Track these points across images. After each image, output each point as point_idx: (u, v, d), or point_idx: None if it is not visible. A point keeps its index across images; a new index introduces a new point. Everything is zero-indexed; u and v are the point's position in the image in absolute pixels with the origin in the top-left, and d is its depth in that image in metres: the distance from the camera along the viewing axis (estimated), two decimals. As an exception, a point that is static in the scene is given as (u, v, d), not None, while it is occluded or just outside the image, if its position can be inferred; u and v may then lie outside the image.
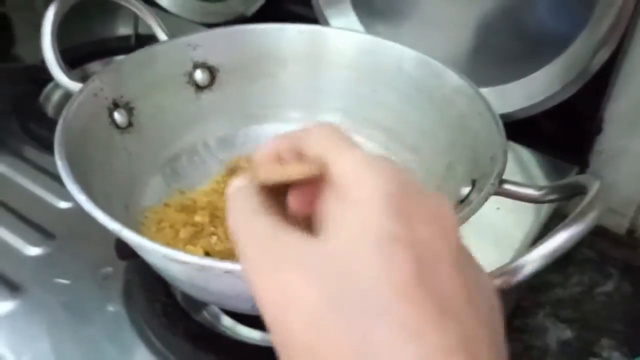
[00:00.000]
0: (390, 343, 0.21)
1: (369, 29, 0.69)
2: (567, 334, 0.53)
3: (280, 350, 0.23)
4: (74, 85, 0.50)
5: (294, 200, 0.27)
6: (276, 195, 0.27)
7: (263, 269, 0.24)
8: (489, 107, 0.47)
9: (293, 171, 0.26)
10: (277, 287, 0.23)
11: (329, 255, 0.23)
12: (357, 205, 0.23)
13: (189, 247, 0.48)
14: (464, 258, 0.24)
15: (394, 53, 0.55)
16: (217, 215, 0.51)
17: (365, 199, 0.23)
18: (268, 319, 0.23)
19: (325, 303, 0.22)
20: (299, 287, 0.22)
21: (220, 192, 0.54)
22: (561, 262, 0.58)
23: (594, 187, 0.35)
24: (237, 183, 0.27)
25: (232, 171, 0.56)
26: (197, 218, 0.51)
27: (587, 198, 0.34)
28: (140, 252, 0.41)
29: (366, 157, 0.25)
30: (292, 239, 0.24)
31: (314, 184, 0.26)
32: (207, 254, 0.48)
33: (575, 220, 0.33)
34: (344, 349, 0.21)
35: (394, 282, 0.22)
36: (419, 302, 0.21)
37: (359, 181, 0.24)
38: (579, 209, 0.33)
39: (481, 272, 0.25)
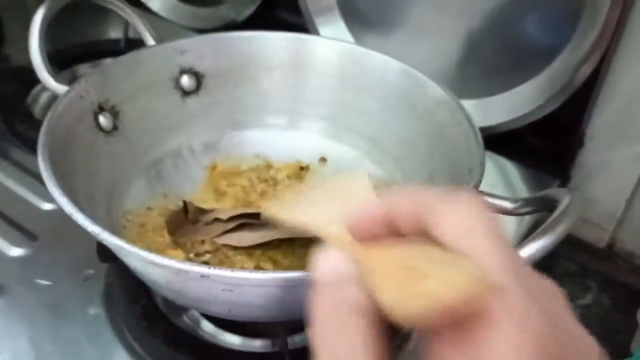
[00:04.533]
0: None
1: (358, 38, 0.70)
2: (545, 345, 0.53)
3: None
4: (60, 88, 0.50)
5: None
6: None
7: None
8: (468, 119, 0.47)
9: (441, 293, 0.18)
10: None
11: None
12: None
13: (170, 251, 0.48)
14: None
15: (378, 63, 0.56)
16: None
17: None
18: None
19: None
20: None
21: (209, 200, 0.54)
22: (541, 274, 0.59)
23: (564, 201, 0.35)
24: (350, 295, 0.20)
25: (213, 168, 0.57)
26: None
27: (557, 211, 0.34)
28: (119, 255, 0.41)
29: (517, 294, 0.19)
30: None
31: None
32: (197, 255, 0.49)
33: (543, 232, 0.33)
34: None
35: None
36: None
37: (495, 347, 0.18)
38: (547, 222, 0.34)
39: None
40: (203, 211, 0.51)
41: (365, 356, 0.19)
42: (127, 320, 0.48)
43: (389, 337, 0.20)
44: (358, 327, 0.19)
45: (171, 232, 0.50)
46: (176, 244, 0.49)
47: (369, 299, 0.19)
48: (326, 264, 0.21)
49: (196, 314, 0.49)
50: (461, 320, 0.19)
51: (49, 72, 0.52)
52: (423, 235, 0.21)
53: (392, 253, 0.21)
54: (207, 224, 0.50)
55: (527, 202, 0.41)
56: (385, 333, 0.20)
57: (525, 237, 0.55)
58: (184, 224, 0.50)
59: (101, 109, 0.51)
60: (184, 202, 0.51)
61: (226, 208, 0.53)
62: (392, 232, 0.22)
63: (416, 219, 0.21)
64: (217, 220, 0.50)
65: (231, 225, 0.49)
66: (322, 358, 0.19)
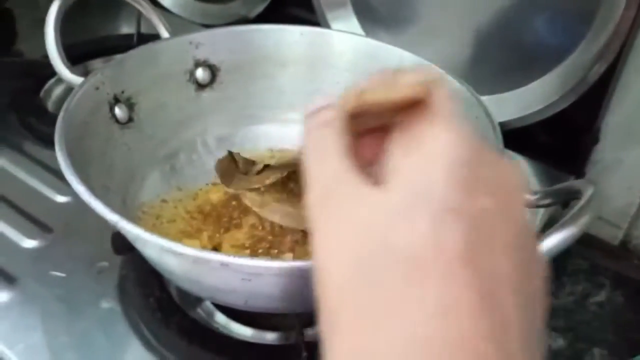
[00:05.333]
0: (418, 316, 0.20)
1: (370, 34, 0.70)
2: (559, 342, 0.53)
3: (317, 301, 0.23)
4: (76, 79, 0.51)
5: (366, 144, 0.27)
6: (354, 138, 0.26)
7: (322, 212, 0.24)
8: (486, 112, 0.47)
9: (400, 88, 0.25)
10: (326, 235, 0.23)
11: (382, 208, 0.22)
12: (425, 163, 0.23)
13: (186, 240, 0.48)
14: (523, 235, 0.23)
15: (393, 57, 0.56)
16: (223, 216, 0.52)
17: (435, 157, 0.23)
18: (314, 263, 0.23)
19: (357, 267, 0.21)
20: (343, 241, 0.22)
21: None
22: (554, 272, 0.58)
23: (587, 192, 0.35)
24: (327, 115, 0.26)
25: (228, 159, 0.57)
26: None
27: (581, 202, 0.34)
28: (136, 245, 0.41)
29: (454, 109, 0.25)
30: (356, 185, 0.24)
31: (387, 130, 0.26)
32: (215, 250, 0.49)
33: (567, 224, 0.33)
34: (363, 319, 0.21)
35: (440, 255, 0.20)
36: (461, 281, 0.20)
37: (436, 135, 0.23)
38: (572, 212, 0.33)
39: (536, 250, 0.24)
40: (250, 162, 0.52)
41: (336, 151, 0.25)
42: (141, 313, 0.48)
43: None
44: (331, 133, 0.26)
45: (226, 182, 0.50)
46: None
47: (341, 115, 0.26)
48: (316, 102, 0.28)
49: (210, 306, 0.49)
50: (409, 116, 0.25)
51: (65, 64, 0.52)
52: None
53: None
54: (258, 172, 0.50)
55: (547, 193, 0.40)
56: (352, 141, 0.26)
57: (542, 230, 0.55)
58: (235, 174, 0.50)
59: (117, 101, 0.51)
60: (230, 152, 0.51)
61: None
62: None
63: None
64: (267, 167, 0.50)
65: (282, 171, 0.49)
66: (309, 156, 0.26)
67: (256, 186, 0.49)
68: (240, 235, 0.49)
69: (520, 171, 0.24)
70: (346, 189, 0.24)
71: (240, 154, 0.53)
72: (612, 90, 0.57)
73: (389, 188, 0.23)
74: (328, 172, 0.25)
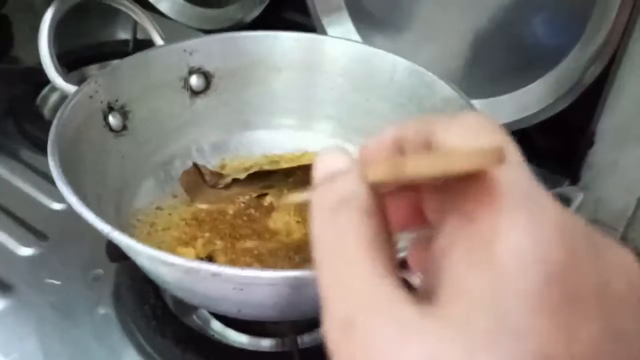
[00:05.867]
0: None
1: (366, 39, 0.70)
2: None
3: None
4: (70, 88, 0.51)
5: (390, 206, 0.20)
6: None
7: (347, 349, 0.17)
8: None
9: (456, 161, 0.17)
10: None
11: (440, 348, 0.15)
12: (498, 279, 0.16)
13: (181, 248, 0.48)
14: None
15: (386, 62, 0.55)
16: (219, 223, 0.52)
17: (513, 271, 0.16)
18: None
19: None
20: None
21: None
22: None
23: (577, 199, 0.35)
24: (344, 188, 0.19)
25: (222, 169, 0.57)
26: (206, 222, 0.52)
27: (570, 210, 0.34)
28: (129, 254, 0.41)
29: (531, 185, 0.18)
30: (394, 307, 0.17)
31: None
32: (210, 258, 0.49)
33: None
34: None
35: None
36: None
37: (511, 233, 0.16)
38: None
39: None
40: (218, 174, 0.52)
41: (360, 251, 0.18)
42: (137, 320, 0.48)
43: (388, 230, 0.19)
44: (352, 221, 0.18)
45: (192, 196, 0.51)
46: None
47: (365, 188, 0.19)
48: (325, 163, 0.21)
49: (206, 313, 0.49)
50: (468, 206, 0.18)
51: (58, 72, 0.52)
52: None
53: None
54: (226, 187, 0.51)
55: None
56: (384, 224, 0.19)
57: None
58: (202, 188, 0.51)
59: (110, 109, 0.51)
60: (194, 163, 0.51)
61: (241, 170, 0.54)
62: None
63: (422, 136, 0.20)
64: (235, 181, 0.51)
65: (252, 187, 0.50)
66: (322, 258, 0.19)
67: (223, 203, 0.50)
68: (235, 242, 0.49)
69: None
70: (380, 313, 0.17)
71: (234, 159, 0.53)
72: (606, 93, 0.57)
73: (447, 316, 0.16)
74: (351, 286, 0.17)
